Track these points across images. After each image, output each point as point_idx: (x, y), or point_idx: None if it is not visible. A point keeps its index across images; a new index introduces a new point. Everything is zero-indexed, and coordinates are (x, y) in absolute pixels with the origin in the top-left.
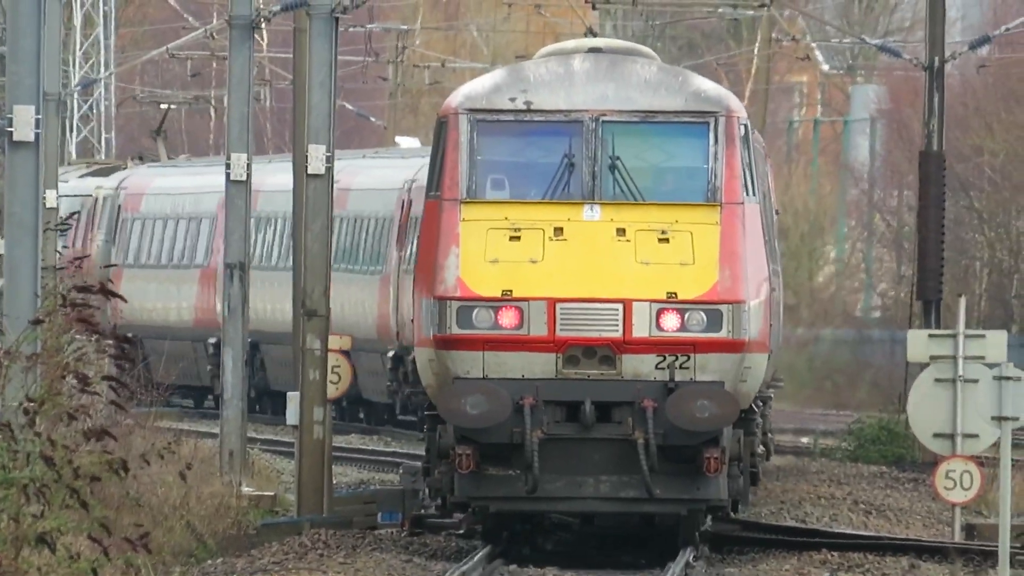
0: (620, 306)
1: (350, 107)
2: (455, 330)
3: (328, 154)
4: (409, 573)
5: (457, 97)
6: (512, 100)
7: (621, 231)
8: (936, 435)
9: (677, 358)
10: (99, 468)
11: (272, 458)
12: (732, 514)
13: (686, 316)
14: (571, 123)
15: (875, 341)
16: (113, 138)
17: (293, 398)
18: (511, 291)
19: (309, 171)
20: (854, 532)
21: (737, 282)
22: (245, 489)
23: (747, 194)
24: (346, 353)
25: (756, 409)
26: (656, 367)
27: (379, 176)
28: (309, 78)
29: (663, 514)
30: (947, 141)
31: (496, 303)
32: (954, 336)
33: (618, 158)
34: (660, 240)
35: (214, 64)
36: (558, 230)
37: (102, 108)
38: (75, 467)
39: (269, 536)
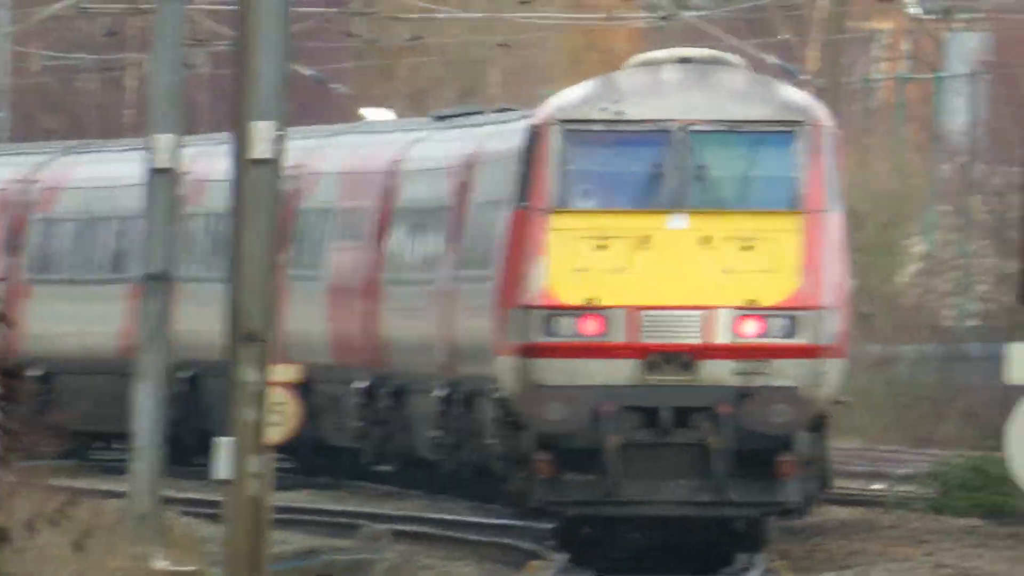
0: (701, 313)
1: (306, 72)
2: (539, 338)
3: (279, 133)
4: None
5: (549, 108)
6: (603, 110)
7: (706, 239)
8: None
9: (755, 364)
10: None
11: (195, 522)
12: (803, 517)
13: (765, 322)
14: (660, 132)
15: (971, 359)
16: (7, 116)
17: (222, 445)
18: (595, 299)
19: (252, 155)
20: None
21: (817, 288)
22: (159, 563)
23: (831, 203)
24: (296, 387)
25: (830, 414)
26: (733, 373)
27: (357, 157)
28: (255, 37)
29: (738, 517)
30: None
31: (580, 311)
32: None
33: (705, 167)
34: (743, 248)
35: (135, 20)
36: (644, 239)
37: None
38: None
39: None
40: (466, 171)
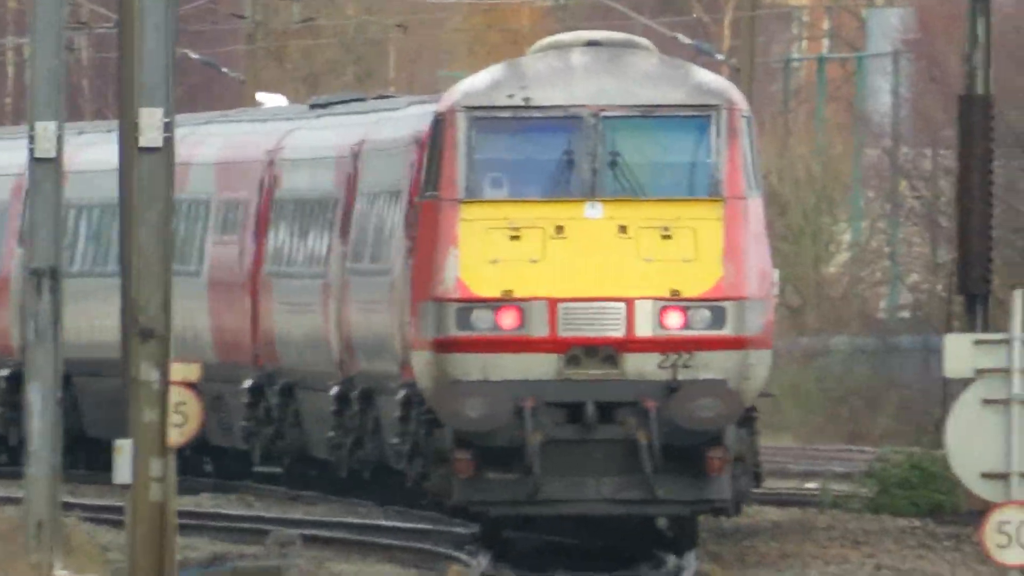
0: (622, 305)
1: (195, 56)
2: (454, 332)
3: (166, 120)
4: None
5: (455, 94)
6: (510, 96)
7: (623, 228)
8: (985, 475)
9: (680, 356)
10: None
11: (96, 529)
12: (734, 515)
13: (689, 314)
14: (570, 119)
15: (904, 351)
16: None
17: (123, 448)
18: (511, 291)
19: (141, 143)
20: None
21: (741, 278)
22: (59, 572)
23: (750, 188)
24: (193, 386)
25: (758, 408)
26: (659, 366)
27: (231, 145)
28: (140, 19)
29: (666, 515)
30: (996, 82)
31: (496, 303)
32: (1008, 342)
33: (618, 154)
34: (663, 237)
35: (13, 3)
36: (559, 228)
37: None
38: None
39: None
40: (352, 160)
